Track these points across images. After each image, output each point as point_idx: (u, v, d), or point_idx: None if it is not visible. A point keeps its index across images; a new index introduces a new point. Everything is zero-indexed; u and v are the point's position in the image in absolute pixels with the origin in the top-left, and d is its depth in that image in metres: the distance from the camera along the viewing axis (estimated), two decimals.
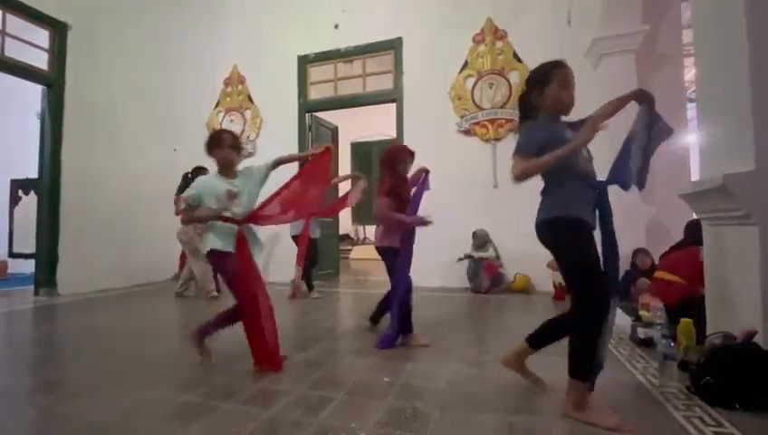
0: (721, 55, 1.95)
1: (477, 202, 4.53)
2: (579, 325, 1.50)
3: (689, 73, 4.93)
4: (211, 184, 2.12)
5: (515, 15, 4.58)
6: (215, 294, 4.11)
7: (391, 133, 5.38)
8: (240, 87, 5.83)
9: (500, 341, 2.50)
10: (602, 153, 1.81)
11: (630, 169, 1.62)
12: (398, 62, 5.05)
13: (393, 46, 5.07)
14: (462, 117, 4.71)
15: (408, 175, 2.65)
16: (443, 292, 4.34)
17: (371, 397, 1.71)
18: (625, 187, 1.62)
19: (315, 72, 5.56)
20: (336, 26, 5.32)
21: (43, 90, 4.52)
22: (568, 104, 1.55)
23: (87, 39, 4.78)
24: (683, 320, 2.13)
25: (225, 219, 2.05)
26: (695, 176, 2.44)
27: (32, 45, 4.43)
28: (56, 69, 4.51)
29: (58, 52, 4.54)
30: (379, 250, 2.60)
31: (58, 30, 4.54)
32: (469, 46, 4.74)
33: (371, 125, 8.44)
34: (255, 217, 2.10)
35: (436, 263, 4.59)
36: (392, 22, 5.06)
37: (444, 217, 4.74)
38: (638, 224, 3.58)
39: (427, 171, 2.69)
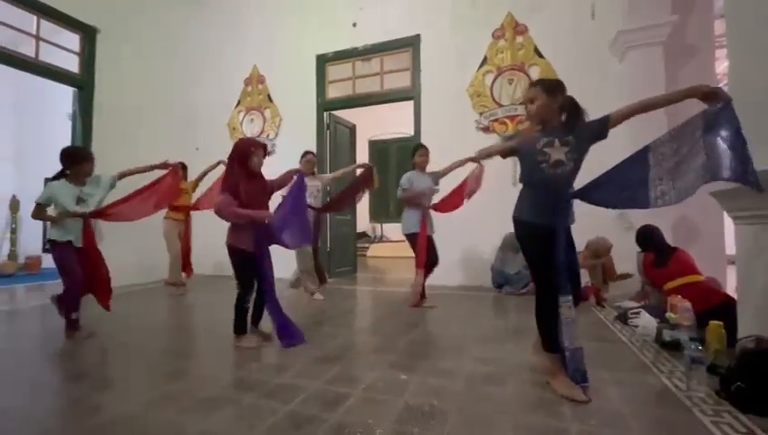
0: (756, 46, 1.86)
1: (495, 200, 4.44)
2: (538, 308, 1.77)
3: (721, 66, 4.72)
4: (64, 190, 2.63)
5: (536, 9, 4.48)
6: (319, 297, 3.82)
7: (409, 131, 5.36)
8: (260, 86, 5.93)
9: (518, 340, 2.46)
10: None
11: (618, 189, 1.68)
12: (415, 59, 5.02)
13: (411, 44, 5.04)
14: (481, 114, 4.65)
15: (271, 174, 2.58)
16: (461, 290, 4.31)
17: (388, 394, 1.71)
18: (606, 206, 1.75)
19: (333, 71, 5.59)
20: (354, 25, 5.33)
21: (74, 92, 4.71)
22: (527, 119, 1.92)
23: (114, 42, 4.95)
24: (713, 322, 2.05)
25: (75, 215, 2.60)
26: None
27: (64, 49, 4.62)
28: (86, 72, 4.70)
29: (88, 55, 4.72)
30: (229, 252, 2.39)
31: (88, 34, 4.72)
32: (488, 42, 4.66)
33: (389, 123, 8.44)
34: (102, 214, 2.75)
35: (453, 261, 4.56)
36: (410, 19, 5.03)
37: (461, 215, 4.70)
38: (664, 222, 3.45)
39: (299, 172, 2.60)
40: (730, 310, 2.14)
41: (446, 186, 3.61)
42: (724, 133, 1.48)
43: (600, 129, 1.67)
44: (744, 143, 1.46)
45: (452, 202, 3.53)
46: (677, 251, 2.79)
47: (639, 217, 3.14)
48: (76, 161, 2.67)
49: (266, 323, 2.52)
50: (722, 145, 1.49)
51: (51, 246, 2.61)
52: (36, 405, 1.68)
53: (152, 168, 3.04)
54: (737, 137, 1.46)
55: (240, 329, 2.41)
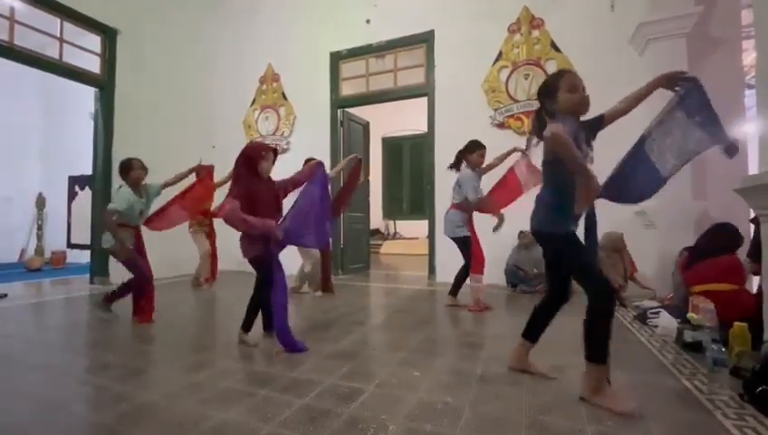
0: None
1: None
2: (600, 313, 1.56)
3: (749, 57, 4.55)
4: (133, 201, 2.79)
5: (554, 2, 4.38)
6: (319, 293, 4.04)
7: (422, 128, 5.34)
8: (275, 85, 5.98)
9: None
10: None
11: (636, 180, 1.64)
12: (429, 55, 4.98)
13: (425, 39, 5.01)
14: (496, 110, 4.59)
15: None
16: None
17: (401, 390, 1.72)
18: (625, 201, 1.71)
19: (347, 68, 5.60)
20: (368, 21, 5.33)
21: (95, 92, 4.84)
22: (579, 103, 1.62)
23: (133, 43, 5.06)
24: (737, 324, 2.00)
25: (135, 230, 2.91)
26: (752, 169, 2.25)
27: (86, 51, 4.75)
28: (107, 72, 4.82)
29: (109, 56, 4.84)
30: (250, 262, 2.33)
31: (108, 35, 4.84)
32: (504, 37, 4.59)
33: (403, 119, 8.41)
34: (149, 223, 3.00)
35: None
36: (424, 14, 4.99)
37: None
38: (687, 221, 3.36)
39: (320, 163, 2.44)
40: (755, 312, 2.07)
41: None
42: (698, 110, 1.55)
43: (597, 129, 1.68)
44: (715, 115, 1.54)
45: (504, 199, 3.29)
46: (717, 258, 2.55)
47: (660, 216, 3.05)
48: (125, 171, 2.87)
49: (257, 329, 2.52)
50: (699, 120, 1.55)
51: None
52: (63, 393, 1.75)
53: (190, 172, 3.26)
54: (710, 111, 1.54)
55: (248, 325, 2.40)
